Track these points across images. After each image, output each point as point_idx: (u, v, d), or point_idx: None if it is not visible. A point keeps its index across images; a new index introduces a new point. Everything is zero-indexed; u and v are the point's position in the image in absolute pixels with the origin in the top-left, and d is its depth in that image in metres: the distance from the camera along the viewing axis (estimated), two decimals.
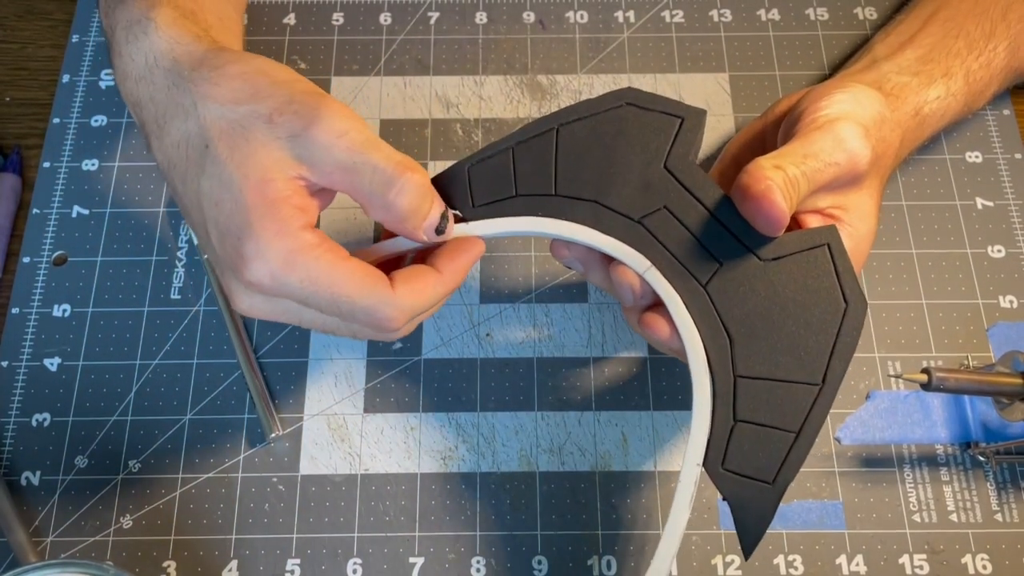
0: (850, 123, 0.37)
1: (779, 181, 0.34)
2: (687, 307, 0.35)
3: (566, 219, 0.36)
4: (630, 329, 0.46)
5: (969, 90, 0.45)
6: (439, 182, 0.38)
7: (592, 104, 0.37)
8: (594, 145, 0.37)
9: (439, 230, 0.35)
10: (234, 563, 0.42)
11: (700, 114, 0.37)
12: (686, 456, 0.34)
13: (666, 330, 0.36)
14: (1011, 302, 0.47)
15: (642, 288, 0.36)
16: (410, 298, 0.34)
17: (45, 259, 0.48)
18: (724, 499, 0.34)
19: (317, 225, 0.34)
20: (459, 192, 0.37)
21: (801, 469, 0.43)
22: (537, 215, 0.37)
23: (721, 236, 0.35)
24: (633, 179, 0.36)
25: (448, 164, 0.50)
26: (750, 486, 0.34)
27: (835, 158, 0.36)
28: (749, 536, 0.34)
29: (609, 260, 0.37)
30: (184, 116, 0.34)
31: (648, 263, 0.35)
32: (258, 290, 0.33)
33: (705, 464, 0.34)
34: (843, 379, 0.34)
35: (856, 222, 0.38)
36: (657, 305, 0.37)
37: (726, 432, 0.34)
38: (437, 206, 0.35)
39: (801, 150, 0.36)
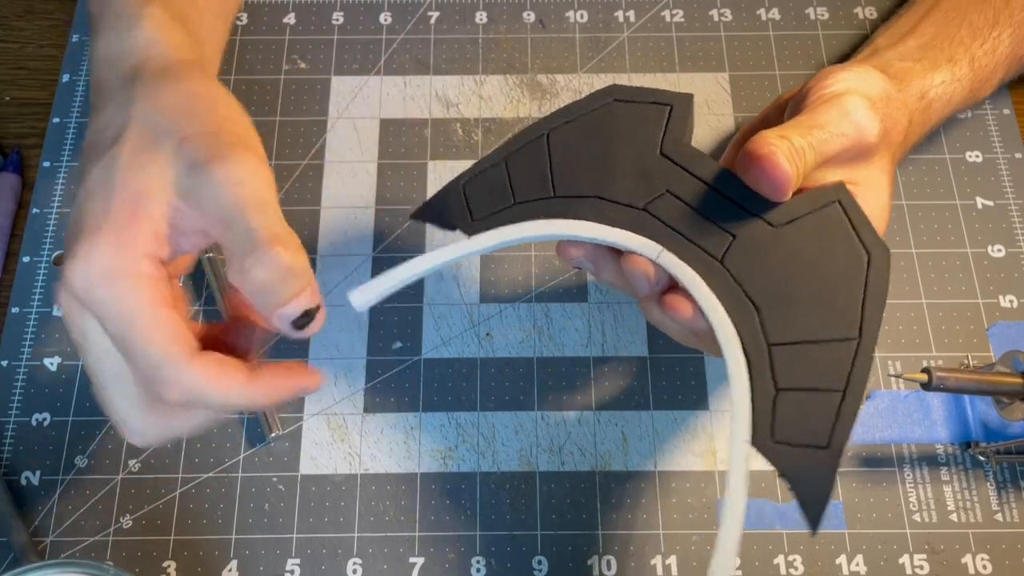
0: (856, 96, 0.37)
1: (783, 147, 0.34)
2: (707, 283, 0.34)
3: (569, 218, 0.36)
4: (630, 329, 0.46)
5: (974, 76, 0.44)
6: (434, 203, 0.37)
7: (579, 105, 0.37)
8: (587, 144, 0.36)
9: (297, 324, 0.31)
10: (234, 563, 0.42)
11: (687, 98, 0.36)
12: (732, 435, 0.33)
13: (689, 309, 0.34)
14: (1011, 302, 0.47)
15: (657, 274, 0.35)
16: (201, 377, 0.30)
17: (45, 259, 0.48)
18: (780, 475, 0.32)
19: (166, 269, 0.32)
20: (456, 210, 0.37)
21: None
22: (539, 218, 0.36)
23: (730, 210, 0.35)
24: (631, 170, 0.36)
25: (448, 164, 0.51)
26: (804, 455, 0.32)
27: (842, 129, 0.36)
28: (813, 508, 0.32)
29: (619, 254, 0.36)
30: (118, 108, 0.33)
31: (660, 247, 0.34)
32: (68, 288, 0.30)
33: (753, 440, 0.32)
34: (879, 329, 0.33)
35: (870, 196, 0.37)
36: (674, 288, 0.36)
37: (769, 403, 0.33)
38: (305, 298, 0.31)
39: (807, 122, 0.36)
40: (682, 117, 0.36)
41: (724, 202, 0.35)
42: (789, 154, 0.34)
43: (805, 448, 0.32)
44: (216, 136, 0.32)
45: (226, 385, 0.31)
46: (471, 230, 0.37)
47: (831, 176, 0.37)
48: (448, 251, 0.36)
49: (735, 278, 0.34)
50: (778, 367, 0.33)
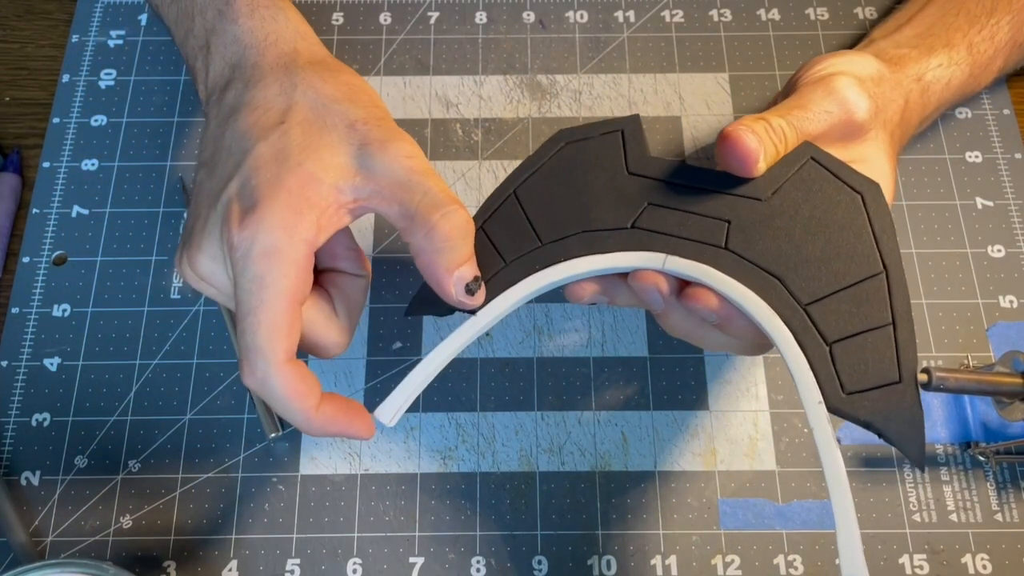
0: (843, 76, 0.38)
1: (753, 125, 0.35)
2: (720, 271, 0.34)
3: (563, 260, 0.35)
4: (630, 329, 0.46)
5: (973, 61, 0.44)
6: (424, 294, 0.36)
7: (535, 157, 0.37)
8: (555, 189, 0.36)
9: (469, 289, 0.34)
10: (234, 563, 0.42)
11: (634, 119, 0.37)
12: (805, 404, 0.32)
13: (713, 298, 0.34)
14: (1011, 302, 0.47)
15: (668, 284, 0.35)
16: (278, 383, 0.31)
17: (45, 259, 0.48)
18: (866, 425, 0.32)
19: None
20: None
21: (801, 468, 0.43)
22: (536, 270, 0.35)
23: (715, 200, 0.35)
24: (607, 196, 0.36)
25: (448, 164, 0.51)
26: (882, 396, 0.32)
27: (826, 107, 0.37)
28: (911, 444, 0.32)
29: (626, 277, 0.36)
30: (279, 91, 0.35)
31: (663, 255, 0.34)
32: (227, 252, 0.32)
33: (826, 400, 0.32)
34: (900, 255, 0.33)
35: (868, 172, 0.37)
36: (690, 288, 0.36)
37: (827, 360, 0.32)
38: (473, 263, 0.34)
39: (791, 103, 0.37)
40: (636, 136, 0.36)
41: (707, 195, 0.35)
42: (762, 133, 0.35)
43: (880, 389, 0.32)
44: (382, 121, 0.34)
45: (295, 403, 0.32)
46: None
47: None
48: (455, 339, 0.35)
49: (745, 258, 0.34)
50: (821, 323, 0.33)
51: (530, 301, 0.47)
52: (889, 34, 0.45)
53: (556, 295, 0.47)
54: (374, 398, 0.45)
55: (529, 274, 0.36)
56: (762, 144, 0.34)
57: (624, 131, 0.37)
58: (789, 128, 0.36)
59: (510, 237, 0.36)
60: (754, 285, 0.33)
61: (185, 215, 0.36)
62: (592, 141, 0.37)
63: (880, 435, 0.32)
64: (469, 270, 0.34)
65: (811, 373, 0.32)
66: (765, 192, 0.35)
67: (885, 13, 0.55)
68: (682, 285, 0.35)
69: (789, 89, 0.40)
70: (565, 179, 0.36)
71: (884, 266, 0.33)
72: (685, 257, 0.34)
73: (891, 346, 0.32)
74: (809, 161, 0.35)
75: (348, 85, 0.35)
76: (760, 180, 0.35)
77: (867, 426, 0.32)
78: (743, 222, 0.34)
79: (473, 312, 0.35)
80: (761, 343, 0.35)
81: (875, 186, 0.34)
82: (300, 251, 0.32)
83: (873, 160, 0.38)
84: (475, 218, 0.37)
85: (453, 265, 0.33)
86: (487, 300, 0.35)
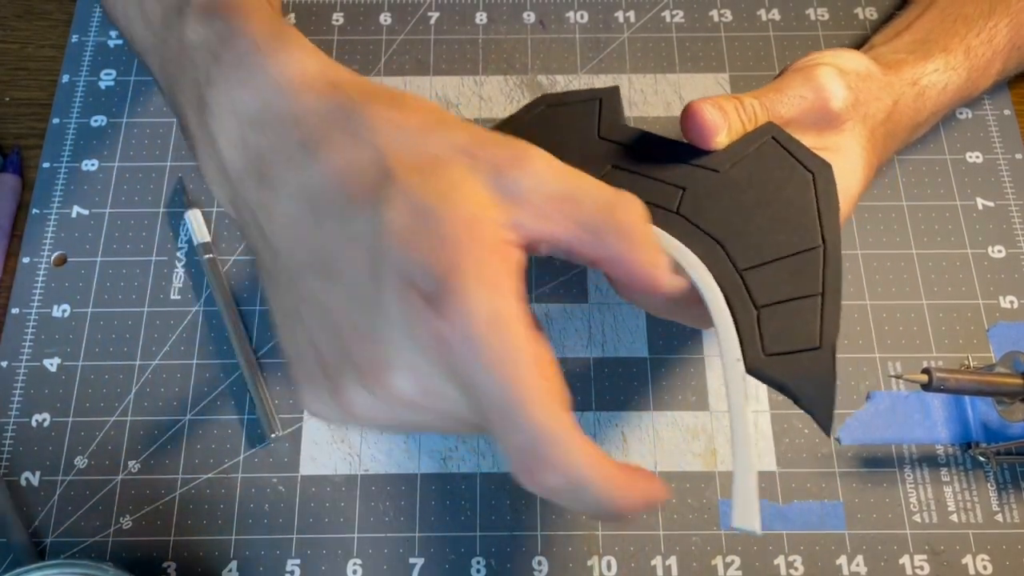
0: (825, 66, 0.39)
1: (722, 103, 0.35)
2: (668, 232, 0.35)
3: None
4: (630, 329, 0.46)
5: (971, 65, 0.45)
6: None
7: (516, 116, 0.38)
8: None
9: (673, 267, 0.30)
10: (234, 563, 0.42)
11: (614, 90, 0.38)
12: (723, 360, 0.32)
13: None
14: (1011, 302, 0.47)
15: None
16: (583, 463, 0.25)
17: (45, 259, 0.48)
18: (780, 387, 0.32)
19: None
20: None
21: (801, 469, 0.43)
22: None
23: (676, 168, 0.36)
24: (574, 157, 0.36)
25: None
26: (800, 359, 0.32)
27: (801, 92, 0.38)
28: (821, 408, 0.32)
29: None
30: (354, 142, 0.27)
31: None
32: (435, 352, 0.25)
33: (745, 359, 0.32)
34: (840, 234, 0.34)
35: (839, 162, 0.38)
36: None
37: (753, 323, 0.33)
38: (658, 245, 0.30)
39: (769, 87, 0.38)
40: (613, 106, 0.38)
41: (669, 163, 0.36)
42: (726, 108, 0.35)
43: (799, 354, 0.33)
44: (489, 136, 0.28)
45: (607, 482, 0.26)
46: None
47: (800, 140, 0.37)
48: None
49: (693, 223, 0.35)
50: (753, 288, 0.34)
51: (529, 299, 0.47)
52: (888, 40, 0.46)
53: (557, 295, 0.47)
54: None
55: None
56: (727, 120, 0.35)
57: (602, 99, 0.38)
58: (761, 109, 0.36)
59: None
60: (697, 248, 0.34)
61: (287, 347, 0.29)
62: (571, 106, 0.38)
63: (793, 398, 0.32)
64: (666, 256, 0.30)
65: (735, 332, 0.33)
66: (723, 165, 0.36)
67: (885, 13, 0.55)
68: None
69: (777, 78, 0.40)
70: (540, 138, 0.37)
71: (823, 240, 0.34)
72: None
73: (816, 315, 0.33)
74: (769, 140, 0.36)
75: (423, 108, 0.29)
76: (721, 153, 0.36)
77: (781, 388, 0.32)
78: (697, 190, 0.35)
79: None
80: (700, 312, 0.34)
81: (827, 167, 0.35)
82: (518, 307, 0.26)
83: (846, 151, 0.39)
84: None
85: (655, 256, 0.29)
86: None
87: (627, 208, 0.28)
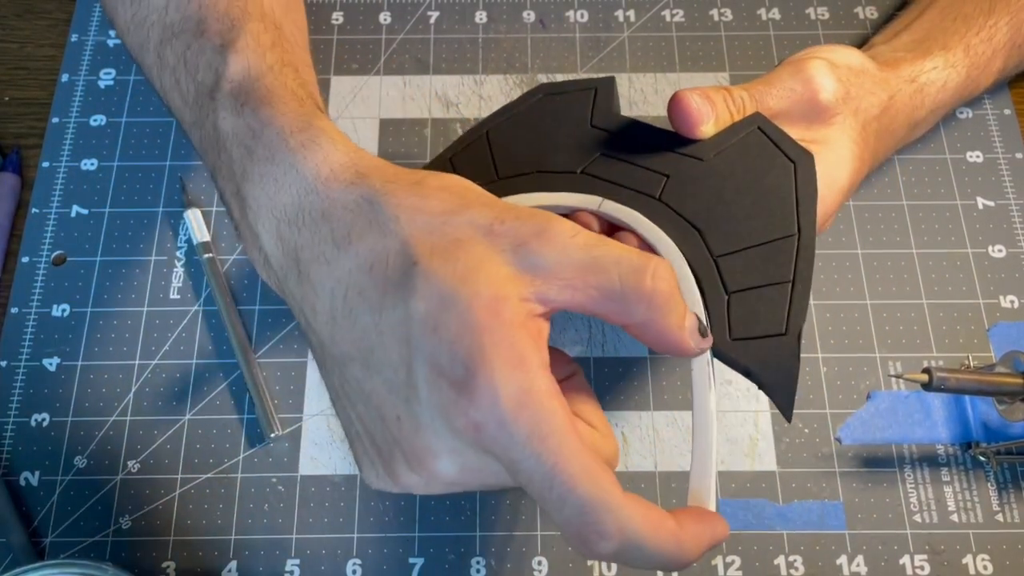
0: (817, 60, 0.39)
1: (710, 93, 0.36)
2: (648, 219, 0.35)
3: (511, 194, 0.37)
4: None
5: (971, 63, 0.45)
6: None
7: (514, 104, 0.39)
8: (524, 132, 0.38)
9: (702, 332, 0.31)
10: (233, 563, 0.42)
11: (610, 80, 0.39)
12: None
13: (634, 241, 0.35)
14: (1012, 302, 0.47)
15: (601, 227, 0.35)
16: (636, 524, 0.26)
17: (44, 259, 0.48)
18: (745, 371, 0.33)
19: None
20: None
21: (802, 469, 0.43)
22: None
23: (662, 156, 0.36)
24: (566, 144, 0.38)
25: None
26: (765, 345, 0.33)
27: (791, 85, 0.38)
28: (782, 394, 0.32)
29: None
30: (380, 233, 0.28)
31: (599, 199, 0.36)
32: (472, 437, 0.26)
33: (713, 344, 0.33)
34: (815, 224, 0.34)
35: (828, 155, 0.38)
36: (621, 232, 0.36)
37: (723, 308, 0.34)
38: (685, 304, 0.30)
39: (760, 79, 0.39)
40: (607, 96, 0.38)
41: (656, 151, 0.37)
42: (714, 99, 0.36)
43: (764, 339, 0.33)
44: (512, 212, 0.29)
45: (661, 534, 0.26)
46: None
47: (788, 132, 0.37)
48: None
49: (674, 210, 0.35)
50: (726, 274, 0.34)
51: None
52: (888, 40, 0.46)
53: None
54: None
55: None
56: (715, 110, 0.36)
57: (597, 89, 0.38)
58: (749, 100, 0.37)
59: (472, 171, 0.37)
60: (675, 234, 0.35)
61: (343, 425, 0.31)
62: (568, 95, 0.39)
63: (756, 382, 0.33)
64: (692, 316, 0.30)
65: (704, 315, 0.33)
66: (708, 154, 0.36)
67: (885, 12, 0.55)
68: (613, 230, 0.36)
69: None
70: (534, 126, 0.38)
71: (799, 229, 0.34)
72: (620, 203, 0.36)
73: (785, 302, 0.33)
74: (755, 130, 0.36)
75: (444, 189, 0.29)
76: (706, 143, 0.36)
77: (746, 373, 0.33)
78: (681, 177, 0.36)
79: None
80: None
81: (809, 157, 0.35)
82: (546, 380, 0.26)
83: (834, 143, 0.39)
84: (447, 150, 0.39)
85: (683, 319, 0.29)
86: None
87: (655, 275, 0.28)
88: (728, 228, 0.35)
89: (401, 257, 0.27)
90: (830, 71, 0.39)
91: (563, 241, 0.28)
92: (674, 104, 0.36)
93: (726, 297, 0.34)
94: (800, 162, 0.35)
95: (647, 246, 0.35)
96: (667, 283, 0.29)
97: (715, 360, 0.33)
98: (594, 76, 0.39)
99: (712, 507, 0.31)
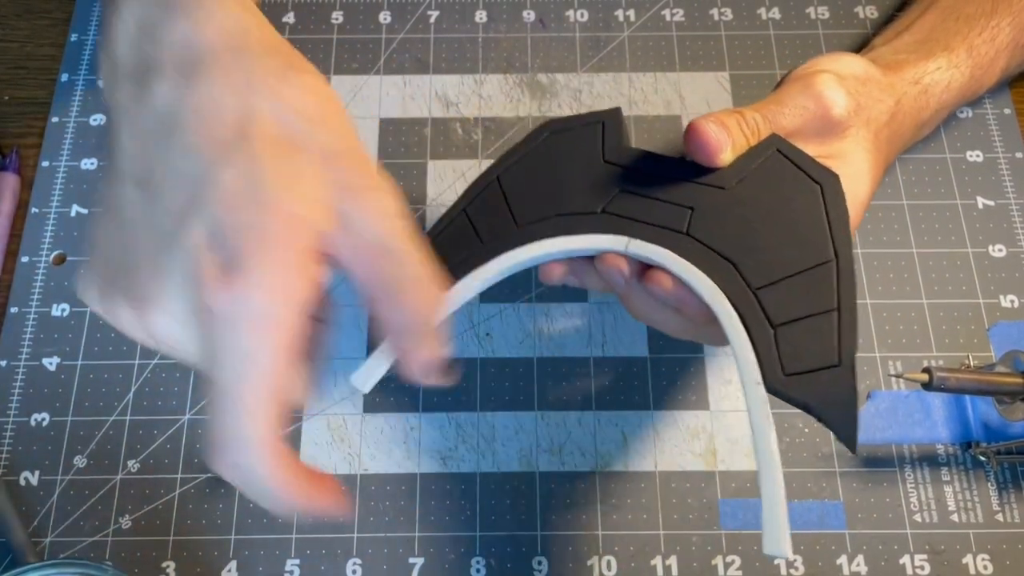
0: (824, 74, 0.39)
1: (724, 118, 0.35)
2: (678, 255, 0.35)
3: (534, 241, 0.36)
4: (630, 329, 0.46)
5: (974, 63, 0.45)
6: None
7: (520, 146, 0.38)
8: (536, 175, 0.38)
9: (430, 371, 0.31)
10: (233, 563, 0.42)
11: (616, 112, 0.38)
12: (743, 383, 0.33)
13: (668, 281, 0.35)
14: (1012, 301, 0.47)
15: (630, 267, 0.35)
16: (256, 462, 0.26)
17: (44, 258, 0.48)
18: (804, 407, 0.32)
19: None
20: None
21: (801, 469, 0.43)
22: (508, 251, 0.36)
23: (682, 188, 0.36)
24: (582, 183, 0.37)
25: (448, 163, 0.51)
26: (820, 378, 0.32)
27: (802, 103, 0.38)
28: (845, 427, 0.32)
29: (593, 259, 0.37)
30: (232, 89, 0.27)
31: (626, 238, 0.36)
32: (206, 315, 0.26)
33: (765, 380, 0.33)
34: (851, 246, 0.34)
35: (844, 168, 0.38)
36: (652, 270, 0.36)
37: (771, 342, 0.33)
38: (437, 340, 0.30)
39: (770, 99, 0.38)
40: (616, 128, 0.38)
41: (676, 183, 0.36)
42: (728, 124, 0.35)
43: (819, 372, 0.33)
44: (360, 158, 0.29)
45: (280, 475, 0.27)
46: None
47: (803, 150, 0.37)
48: None
49: (703, 243, 0.35)
50: (768, 307, 0.34)
51: (529, 300, 0.47)
52: (889, 41, 0.46)
53: (557, 295, 0.47)
54: (374, 398, 0.45)
55: (500, 255, 0.37)
56: (731, 136, 0.35)
57: (605, 122, 0.38)
58: (763, 122, 0.36)
59: (489, 220, 0.37)
60: (709, 269, 0.34)
61: (92, 240, 0.29)
62: (575, 131, 0.38)
63: (816, 417, 0.32)
64: (433, 355, 0.30)
65: (753, 354, 0.33)
66: (730, 181, 0.36)
67: (885, 11, 0.55)
68: (644, 268, 0.36)
69: (778, 86, 0.40)
70: (546, 166, 0.38)
71: (835, 254, 0.34)
72: (648, 241, 0.35)
73: (833, 331, 0.33)
74: (774, 153, 0.36)
75: (316, 94, 0.29)
76: (726, 170, 0.36)
77: (804, 407, 0.33)
78: (705, 209, 0.35)
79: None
80: (716, 331, 0.35)
81: (835, 177, 0.35)
82: (295, 319, 0.26)
83: (850, 156, 0.39)
84: (459, 200, 0.38)
85: (426, 347, 0.30)
86: (461, 275, 0.36)
87: (423, 295, 0.29)
88: (762, 258, 0.34)
89: (237, 125, 0.27)
90: (839, 85, 0.38)
91: (379, 213, 0.28)
92: (691, 134, 0.35)
93: (772, 331, 0.33)
94: (826, 183, 0.35)
95: (681, 284, 0.34)
96: (428, 306, 0.29)
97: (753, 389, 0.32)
98: (598, 110, 0.38)
99: (789, 555, 0.31)
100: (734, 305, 0.34)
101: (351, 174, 0.28)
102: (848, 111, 0.38)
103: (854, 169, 0.38)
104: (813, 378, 0.32)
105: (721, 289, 0.34)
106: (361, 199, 0.28)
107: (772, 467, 0.31)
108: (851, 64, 0.40)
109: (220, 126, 0.27)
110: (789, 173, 0.35)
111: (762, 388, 0.33)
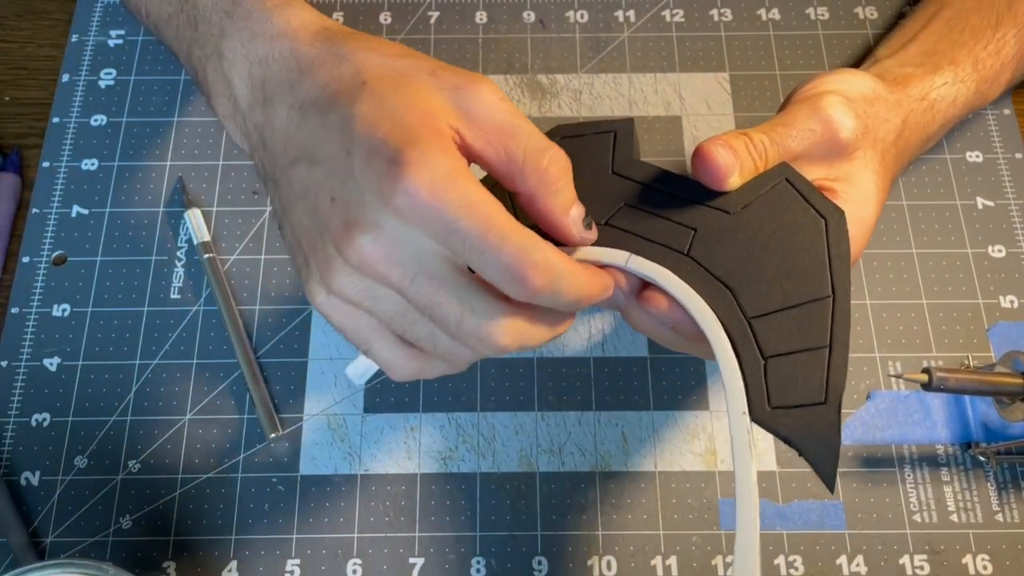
0: (832, 95, 0.38)
1: (732, 141, 0.35)
2: (677, 275, 0.35)
3: None
4: (630, 329, 0.46)
5: (979, 76, 0.44)
6: None
7: None
8: None
9: (587, 224, 0.34)
10: (234, 563, 0.42)
11: (628, 122, 0.38)
12: (729, 411, 0.33)
13: (664, 301, 0.35)
14: (1011, 302, 0.47)
15: (629, 282, 0.35)
16: (560, 257, 0.30)
17: (45, 259, 0.48)
18: (785, 440, 0.33)
19: None
20: None
21: (801, 469, 0.43)
22: None
23: (687, 208, 0.36)
24: (588, 193, 0.36)
25: None
26: (805, 414, 0.33)
27: (809, 126, 0.37)
28: (825, 465, 0.32)
29: None
30: (337, 62, 0.33)
31: (627, 254, 0.35)
32: (408, 207, 0.29)
33: (751, 411, 0.33)
34: (850, 284, 0.34)
35: (852, 192, 0.38)
36: (650, 288, 0.36)
37: (760, 373, 0.33)
38: (578, 201, 0.33)
39: (777, 121, 0.38)
40: (627, 139, 0.37)
41: (681, 202, 0.36)
42: (737, 147, 0.35)
43: (803, 408, 0.33)
44: (455, 67, 0.33)
45: (575, 267, 0.31)
46: None
47: (811, 173, 0.37)
48: None
49: (703, 266, 0.35)
50: (761, 337, 0.34)
51: None
52: (894, 53, 0.45)
53: None
54: (374, 398, 0.45)
55: None
56: (738, 160, 0.35)
57: (616, 133, 0.38)
58: (771, 145, 0.36)
59: None
60: (706, 293, 0.34)
61: (286, 244, 0.34)
62: (585, 139, 0.38)
63: (797, 450, 0.33)
64: (580, 207, 0.33)
65: (742, 383, 0.33)
66: (735, 206, 0.35)
67: (886, 15, 0.55)
68: (643, 285, 0.36)
69: (783, 106, 0.40)
70: None
71: (832, 291, 0.34)
72: (648, 258, 0.35)
73: (823, 368, 0.33)
74: (783, 182, 0.36)
75: (394, 44, 0.34)
76: (733, 195, 0.36)
77: (786, 441, 0.33)
78: (708, 232, 0.35)
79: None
80: (708, 348, 0.35)
81: (840, 213, 0.35)
82: (468, 169, 0.30)
83: (858, 179, 0.38)
84: None
85: (569, 204, 0.33)
86: None
87: (552, 159, 0.32)
88: (760, 287, 0.34)
89: (353, 79, 0.32)
90: (847, 107, 0.38)
91: (491, 100, 0.32)
92: (699, 158, 0.35)
93: (763, 362, 0.33)
94: (831, 219, 0.35)
95: (676, 304, 0.34)
96: (560, 169, 0.32)
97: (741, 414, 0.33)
98: (611, 118, 0.38)
99: None
100: (727, 332, 0.34)
101: (456, 77, 0.32)
102: (856, 134, 0.38)
103: (861, 192, 0.38)
104: (798, 413, 0.33)
105: (716, 315, 0.34)
106: (472, 93, 0.31)
107: (750, 501, 0.32)
108: (859, 84, 0.40)
109: (341, 84, 0.32)
110: (795, 204, 0.35)
111: (747, 419, 0.33)
